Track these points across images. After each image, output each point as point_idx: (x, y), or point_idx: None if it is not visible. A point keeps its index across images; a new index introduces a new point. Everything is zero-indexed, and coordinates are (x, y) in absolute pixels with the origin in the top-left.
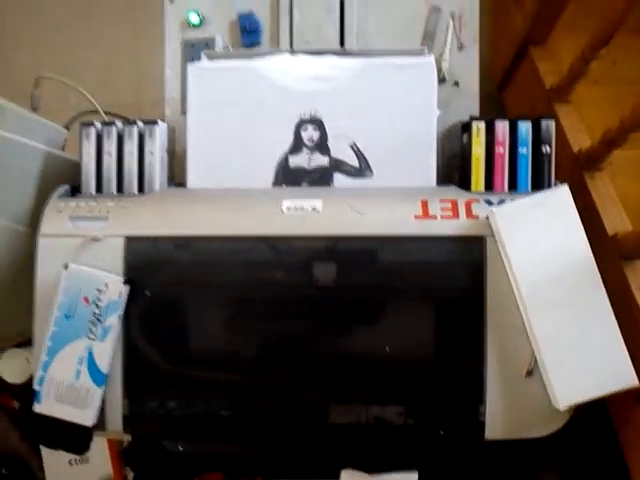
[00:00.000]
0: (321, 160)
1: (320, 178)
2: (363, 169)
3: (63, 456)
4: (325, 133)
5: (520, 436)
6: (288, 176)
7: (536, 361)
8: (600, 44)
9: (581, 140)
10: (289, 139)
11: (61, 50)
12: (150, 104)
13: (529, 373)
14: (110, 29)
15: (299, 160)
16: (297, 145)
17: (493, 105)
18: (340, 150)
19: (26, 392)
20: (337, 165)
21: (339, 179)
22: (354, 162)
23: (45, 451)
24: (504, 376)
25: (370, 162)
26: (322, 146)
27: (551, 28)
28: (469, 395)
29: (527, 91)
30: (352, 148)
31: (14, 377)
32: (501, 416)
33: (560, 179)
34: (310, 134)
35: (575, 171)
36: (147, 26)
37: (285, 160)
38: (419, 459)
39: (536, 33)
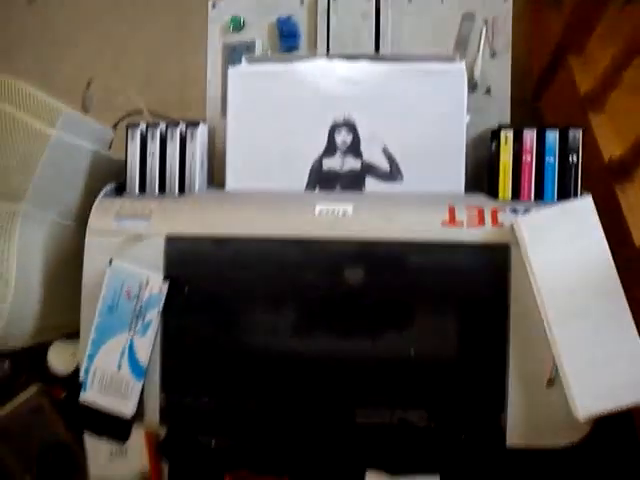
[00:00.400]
0: (353, 163)
1: (352, 181)
2: (394, 173)
3: (104, 449)
4: (358, 137)
5: (541, 444)
6: (321, 178)
7: (557, 370)
8: (633, 52)
9: (613, 150)
10: (323, 142)
11: (109, 52)
12: (193, 103)
13: (550, 382)
14: (155, 30)
15: (332, 163)
16: (331, 148)
17: (526, 112)
18: (372, 154)
19: (72, 382)
20: (369, 169)
21: (370, 182)
22: (385, 166)
23: (88, 443)
24: (526, 384)
25: (401, 166)
26: (355, 150)
27: (589, 35)
28: (491, 401)
29: (562, 100)
30: (384, 152)
31: (61, 368)
32: (522, 423)
33: (591, 189)
34: (343, 137)
35: (606, 181)
36: (191, 27)
37: (319, 163)
38: (442, 463)
39: (574, 40)
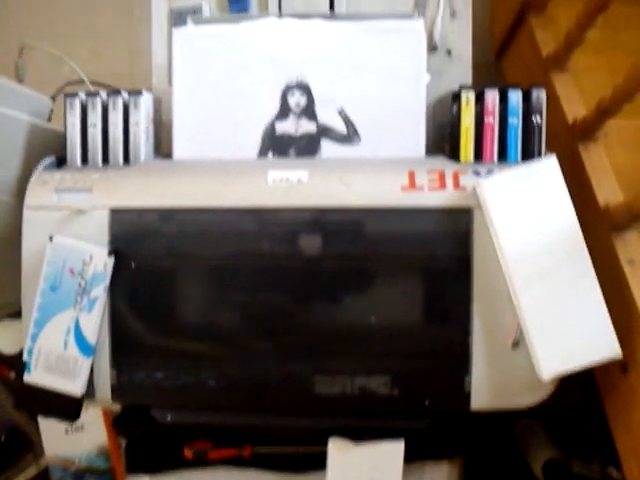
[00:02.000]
0: (308, 126)
1: (307, 144)
2: (351, 135)
3: (59, 426)
4: (312, 99)
5: (506, 406)
6: (275, 143)
7: (522, 332)
8: (595, 11)
9: (577, 110)
10: (276, 105)
11: (52, 18)
12: (144, 73)
13: (515, 344)
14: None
15: (286, 126)
16: (284, 111)
17: (489, 74)
18: (327, 116)
19: (20, 362)
20: (324, 131)
21: (326, 145)
22: (342, 128)
23: (41, 421)
24: (490, 347)
25: (358, 129)
26: (309, 112)
27: None
28: (455, 366)
29: (525, 60)
30: (340, 114)
31: (8, 347)
32: (487, 387)
33: (555, 149)
34: (297, 100)
35: (570, 141)
36: None
37: (272, 126)
38: (407, 430)
39: None
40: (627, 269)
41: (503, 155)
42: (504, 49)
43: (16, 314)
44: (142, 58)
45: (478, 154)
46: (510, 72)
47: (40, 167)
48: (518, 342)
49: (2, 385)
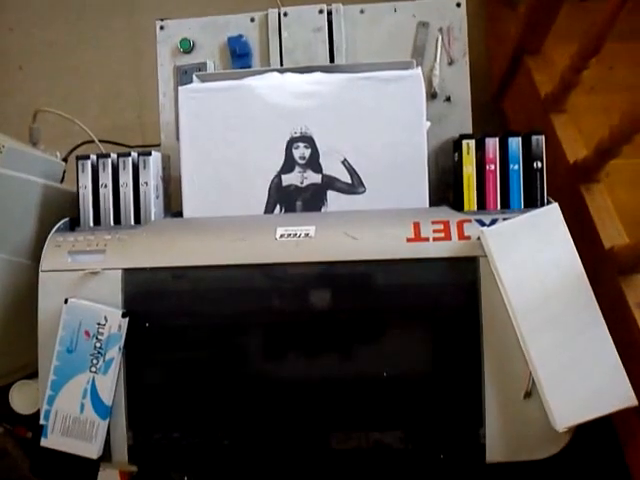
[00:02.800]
0: (314, 177)
1: (313, 195)
2: (355, 185)
3: None
4: (316, 150)
5: (521, 458)
6: (282, 195)
7: (534, 382)
8: (589, 53)
9: (577, 151)
10: (281, 158)
11: (63, 76)
12: (152, 126)
13: (527, 394)
14: (111, 53)
15: (292, 178)
16: (289, 164)
17: (489, 115)
18: (332, 166)
19: (37, 421)
20: (330, 182)
21: (332, 196)
22: (346, 178)
23: None
24: (503, 397)
25: (362, 177)
26: (314, 163)
27: (545, 36)
28: (468, 418)
29: (524, 101)
30: (343, 164)
31: (25, 408)
32: (501, 438)
33: (557, 191)
34: (301, 152)
35: (572, 183)
36: (147, 49)
37: (278, 179)
38: None
39: (530, 41)
40: (636, 313)
41: (506, 202)
42: (504, 89)
43: (32, 375)
44: (150, 111)
45: (481, 202)
46: (511, 112)
47: (54, 230)
48: (530, 392)
49: (19, 447)
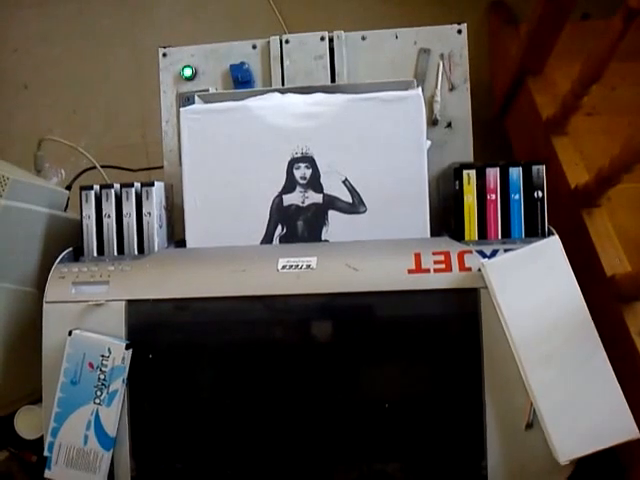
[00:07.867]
0: (315, 197)
1: (314, 215)
2: (357, 204)
3: None
4: (317, 170)
5: None
6: (283, 215)
7: (535, 413)
8: (590, 80)
9: (578, 175)
10: (282, 178)
11: (67, 94)
12: (156, 145)
13: (528, 426)
14: (114, 71)
15: (293, 198)
16: (290, 184)
17: (491, 132)
18: (333, 186)
19: (42, 446)
20: (331, 201)
21: (334, 215)
22: (347, 198)
23: None
24: (504, 429)
25: (363, 197)
26: (315, 183)
27: (547, 56)
28: (470, 449)
29: (525, 121)
30: (344, 184)
31: (29, 433)
32: (504, 470)
33: (558, 215)
34: (302, 172)
35: (573, 207)
36: (150, 67)
37: (280, 199)
38: None
39: (532, 61)
40: (638, 341)
41: (507, 231)
42: (506, 108)
43: (37, 399)
44: (154, 129)
45: (482, 231)
46: (513, 131)
47: (57, 261)
48: (532, 424)
49: (24, 472)
